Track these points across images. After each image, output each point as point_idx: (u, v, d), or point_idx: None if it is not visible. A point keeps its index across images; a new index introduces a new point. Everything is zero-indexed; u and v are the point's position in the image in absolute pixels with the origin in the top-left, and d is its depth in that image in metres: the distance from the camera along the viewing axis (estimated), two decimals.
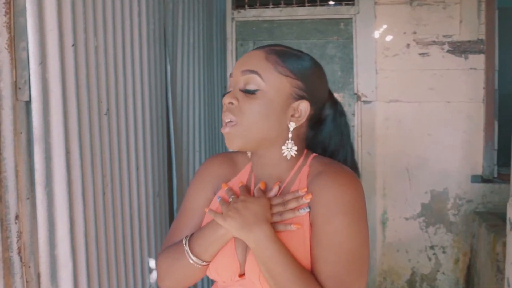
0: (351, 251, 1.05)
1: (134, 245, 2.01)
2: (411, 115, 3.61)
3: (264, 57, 1.14)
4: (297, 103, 1.14)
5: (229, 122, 1.12)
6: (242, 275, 1.14)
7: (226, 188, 1.20)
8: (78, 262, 1.50)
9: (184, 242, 1.17)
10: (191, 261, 1.15)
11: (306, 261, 1.07)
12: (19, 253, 1.27)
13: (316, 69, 1.21)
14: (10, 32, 1.22)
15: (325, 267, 1.05)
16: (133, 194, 1.99)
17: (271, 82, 1.12)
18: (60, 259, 1.42)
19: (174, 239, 1.25)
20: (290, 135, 1.14)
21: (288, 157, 1.16)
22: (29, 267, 1.33)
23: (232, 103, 1.12)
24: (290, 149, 1.15)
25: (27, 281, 1.31)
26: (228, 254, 1.14)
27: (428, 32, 3.55)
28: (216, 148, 3.50)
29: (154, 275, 2.23)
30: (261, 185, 1.17)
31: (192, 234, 1.20)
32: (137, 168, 2.02)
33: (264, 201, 1.10)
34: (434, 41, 3.54)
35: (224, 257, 1.15)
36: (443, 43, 3.53)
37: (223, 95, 1.17)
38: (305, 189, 1.11)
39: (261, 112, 1.11)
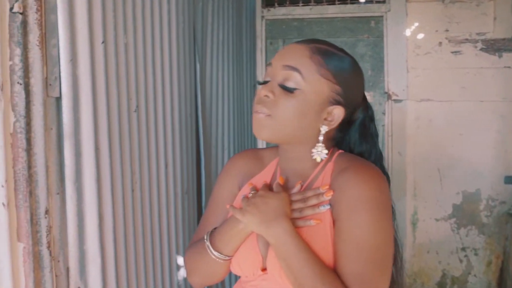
0: (374, 248, 1.04)
1: (162, 242, 2.02)
2: (443, 115, 3.54)
3: (309, 56, 1.12)
4: (332, 107, 1.13)
5: (260, 113, 1.12)
6: (264, 269, 1.14)
7: (250, 186, 1.20)
8: (107, 258, 1.52)
9: (205, 238, 1.18)
10: (213, 256, 1.15)
11: (328, 258, 1.06)
12: (48, 247, 1.28)
13: (356, 74, 1.19)
14: (41, 29, 1.23)
15: (348, 263, 1.04)
16: (162, 191, 2.00)
17: (312, 83, 1.10)
18: (89, 254, 1.43)
19: (200, 235, 1.26)
20: (321, 138, 1.14)
21: (318, 160, 1.16)
22: (58, 261, 1.34)
23: (267, 96, 1.11)
24: (320, 152, 1.14)
25: (56, 275, 1.33)
26: (250, 249, 1.14)
27: (460, 30, 3.48)
28: (245, 145, 3.50)
29: (182, 272, 2.24)
30: (280, 180, 1.17)
31: (213, 230, 1.20)
32: (166, 166, 2.03)
33: (283, 196, 1.10)
34: (467, 39, 3.47)
35: (246, 252, 1.15)
36: (476, 41, 3.46)
37: (259, 83, 1.17)
38: (327, 186, 1.10)
39: (296, 111, 1.10)
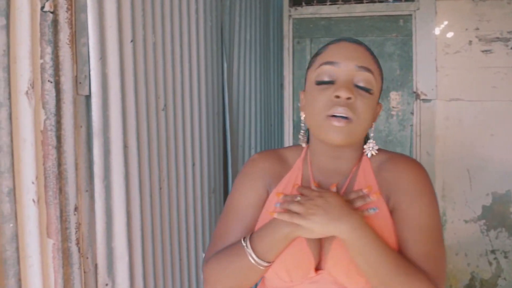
0: (435, 229, 1.11)
1: (189, 240, 2.02)
2: (473, 115, 3.49)
3: (372, 59, 1.16)
4: (378, 105, 1.20)
5: (341, 117, 1.09)
6: (317, 270, 1.13)
7: (281, 196, 1.16)
8: (134, 255, 1.53)
9: (244, 244, 1.15)
10: (253, 262, 1.13)
11: (393, 246, 1.09)
12: (77, 244, 1.30)
13: None
14: (71, 28, 1.24)
15: (417, 247, 1.08)
16: (189, 190, 2.01)
17: (377, 85, 1.15)
18: (117, 251, 1.45)
19: (220, 245, 1.23)
20: (372, 134, 1.18)
21: (369, 155, 1.19)
22: (87, 258, 1.36)
23: (350, 98, 1.09)
24: (372, 148, 1.18)
25: (84, 272, 1.34)
26: (299, 252, 1.12)
27: (491, 28, 3.42)
28: (271, 145, 3.50)
29: None
30: (314, 185, 1.17)
31: (251, 235, 1.17)
32: (193, 164, 2.04)
33: (338, 193, 1.11)
34: (497, 38, 3.41)
35: (295, 256, 1.13)
36: (507, 40, 3.40)
37: (321, 83, 1.15)
38: (369, 189, 1.11)
39: (369, 112, 1.13)
